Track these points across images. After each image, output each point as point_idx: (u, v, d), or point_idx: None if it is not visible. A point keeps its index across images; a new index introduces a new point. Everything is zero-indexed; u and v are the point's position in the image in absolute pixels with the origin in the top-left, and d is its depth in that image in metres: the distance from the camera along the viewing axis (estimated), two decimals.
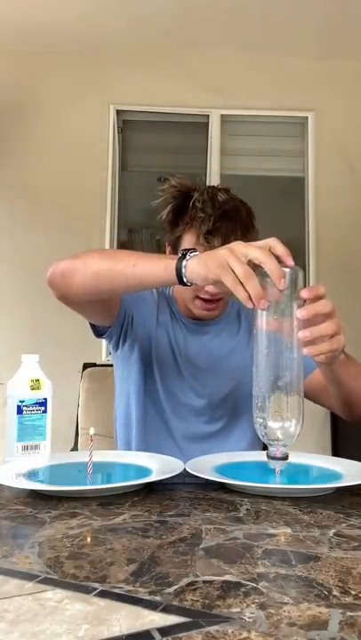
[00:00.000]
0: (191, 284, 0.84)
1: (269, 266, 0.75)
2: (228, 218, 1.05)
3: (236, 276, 0.75)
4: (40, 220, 2.95)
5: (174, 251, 1.14)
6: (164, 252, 1.19)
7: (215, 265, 0.77)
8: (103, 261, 0.94)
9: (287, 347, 0.80)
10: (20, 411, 0.92)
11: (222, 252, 0.78)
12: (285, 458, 0.80)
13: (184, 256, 0.83)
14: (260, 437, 0.82)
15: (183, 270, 0.82)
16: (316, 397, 1.09)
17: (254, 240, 1.10)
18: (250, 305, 0.75)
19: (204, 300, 1.08)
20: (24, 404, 0.93)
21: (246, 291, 0.75)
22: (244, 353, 1.14)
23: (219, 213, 1.04)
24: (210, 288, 1.01)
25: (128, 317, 1.14)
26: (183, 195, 1.09)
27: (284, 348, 0.80)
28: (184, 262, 0.82)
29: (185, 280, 0.83)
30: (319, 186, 3.10)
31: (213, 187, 1.12)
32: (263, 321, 0.81)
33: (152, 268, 0.87)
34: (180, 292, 1.15)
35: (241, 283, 0.75)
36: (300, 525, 0.62)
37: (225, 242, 1.03)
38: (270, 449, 0.81)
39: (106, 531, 0.59)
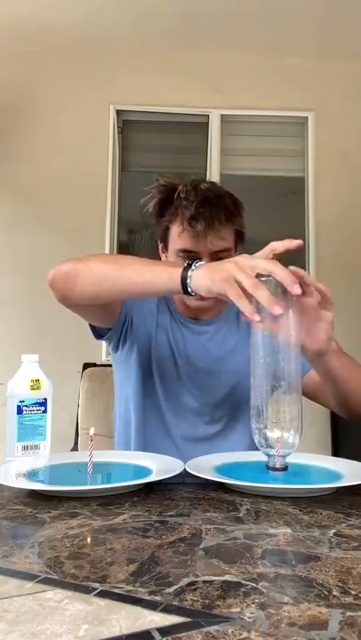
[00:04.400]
0: (196, 294, 0.84)
1: (280, 274, 0.76)
2: (212, 203, 1.06)
3: (241, 290, 0.76)
4: (40, 220, 2.96)
5: (165, 244, 1.15)
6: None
7: (220, 278, 0.78)
8: (107, 267, 0.94)
9: (283, 356, 0.80)
10: (19, 411, 0.93)
11: (228, 266, 0.78)
12: (285, 469, 0.79)
13: (190, 265, 0.83)
14: (259, 448, 0.82)
15: (188, 281, 0.82)
16: (314, 396, 1.10)
17: (240, 225, 1.11)
18: (256, 318, 0.75)
19: None
20: (24, 404, 0.93)
21: (251, 304, 0.75)
22: (243, 353, 1.13)
23: (201, 199, 1.06)
24: None
25: (128, 319, 1.14)
26: (169, 189, 1.11)
27: (280, 358, 0.80)
28: (190, 272, 0.83)
29: (190, 290, 0.83)
30: (319, 186, 3.10)
31: (198, 179, 1.14)
32: (259, 330, 0.81)
33: (156, 276, 0.87)
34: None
35: (245, 297, 0.75)
36: (300, 525, 0.62)
37: (208, 226, 1.04)
38: (269, 460, 0.80)
39: (106, 531, 0.59)
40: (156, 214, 1.14)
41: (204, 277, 0.81)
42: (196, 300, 1.11)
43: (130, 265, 0.91)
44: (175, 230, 1.10)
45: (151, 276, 0.87)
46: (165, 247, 1.16)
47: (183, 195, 1.07)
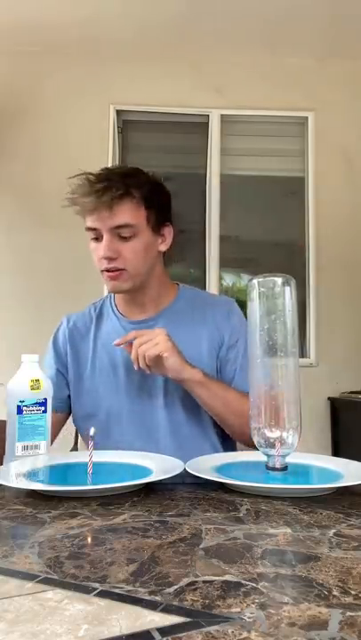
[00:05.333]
0: None
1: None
2: (106, 180, 1.07)
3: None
4: (40, 220, 2.95)
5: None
6: None
7: None
8: None
9: (280, 356, 0.80)
10: (19, 411, 0.92)
11: None
12: (285, 468, 0.79)
13: None
14: (258, 448, 0.82)
15: None
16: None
17: (145, 199, 1.10)
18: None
19: (106, 272, 1.11)
20: (24, 404, 0.93)
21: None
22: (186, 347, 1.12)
23: (95, 177, 1.08)
24: (101, 253, 1.08)
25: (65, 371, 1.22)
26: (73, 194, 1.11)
27: (277, 357, 0.80)
28: None
29: None
30: (319, 185, 3.10)
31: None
32: (257, 331, 0.81)
33: None
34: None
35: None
36: (300, 525, 0.62)
37: (100, 202, 1.06)
38: (269, 460, 0.80)
39: (106, 531, 0.59)
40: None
41: None
42: (109, 281, 1.12)
43: None
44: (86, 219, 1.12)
45: None
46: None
47: (85, 178, 1.09)
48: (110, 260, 1.08)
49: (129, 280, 1.12)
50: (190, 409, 1.13)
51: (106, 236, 1.08)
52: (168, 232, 1.17)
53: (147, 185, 1.12)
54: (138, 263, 1.11)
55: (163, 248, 1.17)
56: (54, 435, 1.23)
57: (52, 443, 1.22)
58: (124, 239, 1.09)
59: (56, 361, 1.23)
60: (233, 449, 1.18)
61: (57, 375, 1.21)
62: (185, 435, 1.12)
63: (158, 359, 1.00)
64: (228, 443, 1.17)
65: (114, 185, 1.06)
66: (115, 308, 1.24)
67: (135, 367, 1.03)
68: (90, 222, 1.09)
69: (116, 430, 1.14)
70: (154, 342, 1.00)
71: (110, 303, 1.26)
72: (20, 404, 0.93)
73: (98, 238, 1.10)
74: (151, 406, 1.14)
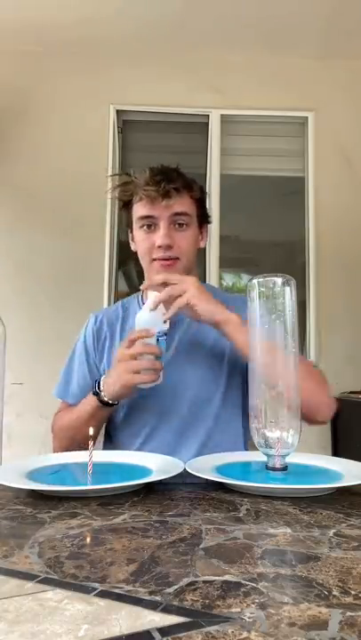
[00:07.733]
0: (113, 402, 1.04)
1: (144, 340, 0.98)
2: (166, 172, 1.14)
3: (139, 371, 0.97)
4: (40, 220, 2.95)
5: (132, 228, 1.20)
6: None
7: (119, 385, 0.99)
8: (66, 431, 1.13)
9: (280, 355, 0.80)
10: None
11: (114, 371, 1.01)
12: (285, 468, 0.79)
13: (98, 387, 1.04)
14: (258, 448, 0.82)
15: (103, 395, 1.03)
16: None
17: (199, 195, 1.18)
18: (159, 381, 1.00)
19: (160, 260, 1.13)
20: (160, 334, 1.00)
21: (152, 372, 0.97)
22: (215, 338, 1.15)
23: (155, 169, 1.15)
24: (160, 241, 1.11)
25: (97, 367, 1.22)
26: (127, 177, 1.19)
27: (277, 357, 0.80)
28: (99, 391, 1.04)
29: (107, 400, 1.03)
30: (319, 185, 3.10)
31: None
32: (256, 330, 0.81)
33: (86, 407, 1.08)
34: (145, 269, 1.18)
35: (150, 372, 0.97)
36: (300, 525, 0.62)
37: (163, 189, 1.10)
38: (269, 460, 0.80)
39: (106, 531, 0.59)
40: (122, 205, 1.21)
41: (109, 388, 1.02)
42: (160, 270, 1.13)
43: (72, 417, 1.12)
44: (135, 203, 1.16)
45: (84, 410, 1.08)
46: (133, 232, 1.20)
47: (139, 172, 1.16)
48: (167, 248, 1.11)
49: (180, 270, 1.14)
50: (215, 410, 1.14)
51: (164, 224, 1.12)
52: (205, 231, 1.23)
53: (197, 184, 1.20)
54: (190, 253, 1.16)
55: (202, 245, 1.23)
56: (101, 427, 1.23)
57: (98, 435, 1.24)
58: (180, 228, 1.13)
59: (87, 359, 1.23)
60: None
61: (90, 372, 1.21)
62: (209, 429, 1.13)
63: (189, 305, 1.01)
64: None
65: (174, 178, 1.13)
66: (141, 303, 1.24)
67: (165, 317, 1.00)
68: (146, 210, 1.13)
69: (135, 416, 1.15)
70: (181, 289, 0.99)
71: (138, 299, 1.27)
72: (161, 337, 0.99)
73: (151, 227, 1.13)
74: (177, 404, 1.13)
